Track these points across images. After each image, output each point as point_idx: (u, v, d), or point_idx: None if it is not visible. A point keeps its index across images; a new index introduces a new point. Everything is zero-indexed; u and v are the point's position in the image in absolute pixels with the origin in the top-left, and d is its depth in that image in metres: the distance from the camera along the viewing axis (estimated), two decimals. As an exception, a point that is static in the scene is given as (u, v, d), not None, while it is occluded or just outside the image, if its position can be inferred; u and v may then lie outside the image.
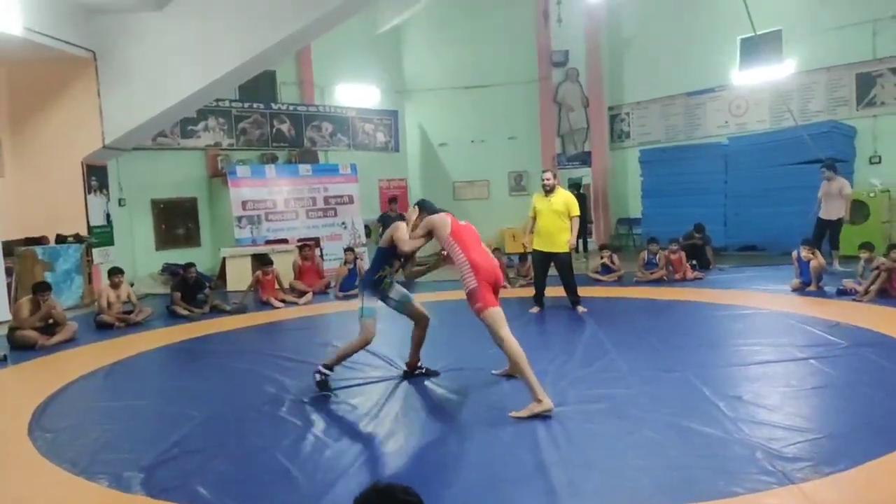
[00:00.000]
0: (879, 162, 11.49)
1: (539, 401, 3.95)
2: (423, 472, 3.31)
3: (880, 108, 11.47)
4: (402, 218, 11.23)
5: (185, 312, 8.47)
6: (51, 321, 7.07)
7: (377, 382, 4.97)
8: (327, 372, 4.72)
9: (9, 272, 9.00)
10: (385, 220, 11.41)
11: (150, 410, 4.59)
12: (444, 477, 3.23)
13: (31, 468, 3.54)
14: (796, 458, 3.18)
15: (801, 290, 7.74)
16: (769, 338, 5.71)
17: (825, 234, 9.56)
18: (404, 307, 4.94)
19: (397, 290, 4.93)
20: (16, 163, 10.58)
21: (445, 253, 4.52)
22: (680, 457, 3.29)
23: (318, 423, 4.07)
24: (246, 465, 3.47)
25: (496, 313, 4.14)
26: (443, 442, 3.73)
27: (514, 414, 3.98)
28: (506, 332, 4.14)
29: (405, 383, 4.91)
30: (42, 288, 7.15)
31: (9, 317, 8.55)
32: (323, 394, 4.66)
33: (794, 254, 8.03)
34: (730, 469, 3.10)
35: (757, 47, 11.52)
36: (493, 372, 4.95)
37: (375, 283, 4.73)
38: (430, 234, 4.58)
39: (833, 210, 9.49)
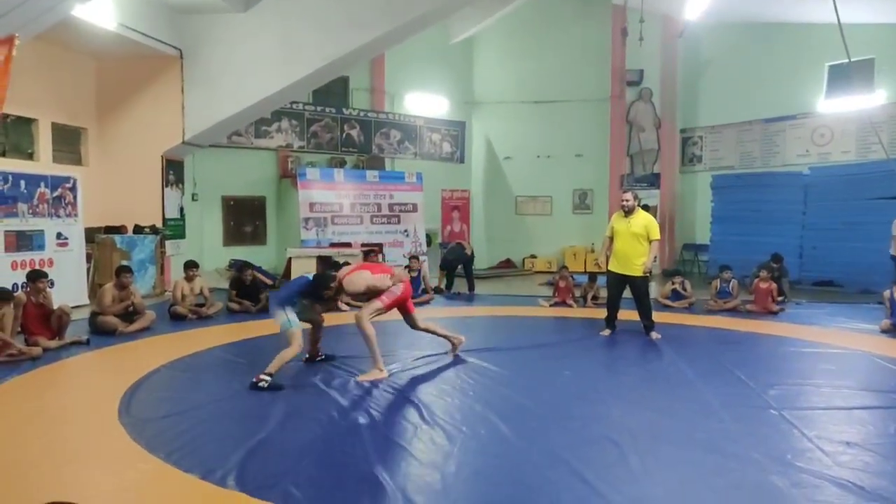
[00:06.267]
0: (974, 200, 10.85)
1: (380, 370, 5.32)
2: (515, 493, 3.19)
3: (978, 145, 10.87)
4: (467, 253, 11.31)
5: (237, 307, 8.59)
6: (130, 308, 7.22)
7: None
8: (268, 378, 4.98)
9: (88, 258, 9.28)
10: (455, 251, 11.45)
11: (232, 405, 4.59)
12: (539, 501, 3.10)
13: (127, 455, 3.56)
14: (927, 515, 2.94)
15: (892, 331, 7.34)
16: (868, 381, 5.39)
17: None
18: (306, 313, 5.61)
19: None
20: (100, 153, 10.94)
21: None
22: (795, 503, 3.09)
23: (399, 430, 4.01)
24: (334, 470, 3.42)
25: (380, 311, 5.44)
26: (534, 465, 3.60)
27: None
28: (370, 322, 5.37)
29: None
30: (126, 270, 7.34)
31: (87, 301, 8.83)
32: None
33: (887, 293, 7.63)
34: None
35: (847, 75, 11.10)
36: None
37: (293, 301, 5.42)
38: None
39: None
